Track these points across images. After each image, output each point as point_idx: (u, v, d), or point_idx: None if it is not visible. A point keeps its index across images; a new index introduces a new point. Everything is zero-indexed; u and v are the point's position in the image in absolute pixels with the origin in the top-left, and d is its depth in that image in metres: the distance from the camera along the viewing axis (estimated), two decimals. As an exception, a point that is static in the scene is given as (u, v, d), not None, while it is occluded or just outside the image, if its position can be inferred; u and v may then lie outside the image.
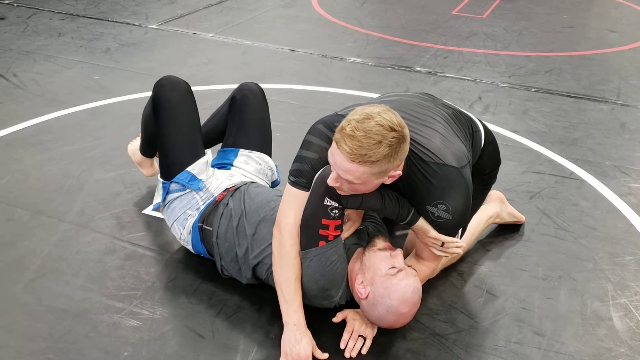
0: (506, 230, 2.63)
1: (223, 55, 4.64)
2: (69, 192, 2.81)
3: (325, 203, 1.87)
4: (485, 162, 2.23)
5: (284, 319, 1.96)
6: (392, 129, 1.68)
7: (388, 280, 1.88)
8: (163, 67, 4.31)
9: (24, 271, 2.31)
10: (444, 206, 1.88)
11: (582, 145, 3.39)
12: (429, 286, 2.27)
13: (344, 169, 1.72)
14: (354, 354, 1.97)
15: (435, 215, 1.90)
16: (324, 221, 1.89)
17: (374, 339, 2.02)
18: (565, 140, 3.44)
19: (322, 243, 1.91)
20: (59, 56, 4.46)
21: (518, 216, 2.63)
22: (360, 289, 1.93)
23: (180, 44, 4.86)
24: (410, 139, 1.82)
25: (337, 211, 1.89)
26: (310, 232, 1.92)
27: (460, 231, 2.25)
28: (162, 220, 2.62)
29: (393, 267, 1.90)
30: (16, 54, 4.48)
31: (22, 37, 4.85)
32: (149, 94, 3.84)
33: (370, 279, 1.91)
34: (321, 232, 1.90)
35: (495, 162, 2.33)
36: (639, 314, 2.20)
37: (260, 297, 2.19)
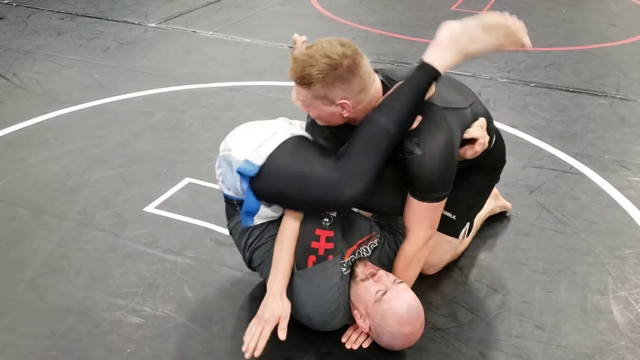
0: (506, 225, 2.64)
1: (222, 52, 4.65)
2: (71, 190, 2.82)
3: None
4: (495, 156, 2.25)
5: (267, 284, 1.96)
6: (327, 57, 1.75)
7: (379, 307, 1.84)
8: (163, 66, 4.32)
9: (26, 270, 2.32)
10: (416, 139, 1.83)
11: (582, 140, 3.39)
12: (429, 280, 2.29)
13: (294, 89, 1.88)
14: (355, 347, 1.98)
15: (408, 149, 1.84)
16: (317, 231, 1.87)
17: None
18: (564, 135, 3.45)
19: (312, 259, 1.87)
20: (58, 55, 4.46)
21: (506, 205, 2.68)
22: (361, 324, 1.92)
23: (180, 42, 4.87)
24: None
25: (327, 220, 1.87)
26: (303, 245, 1.89)
27: (467, 227, 2.29)
28: (163, 217, 2.63)
29: (379, 291, 1.86)
30: (16, 53, 4.49)
31: (21, 36, 4.86)
32: (149, 92, 3.89)
33: (365, 312, 1.89)
34: (313, 244, 1.87)
35: (502, 158, 2.35)
36: (639, 307, 2.20)
37: (262, 293, 2.19)
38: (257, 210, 1.98)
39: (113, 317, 2.10)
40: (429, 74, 1.81)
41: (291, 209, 1.94)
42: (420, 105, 1.84)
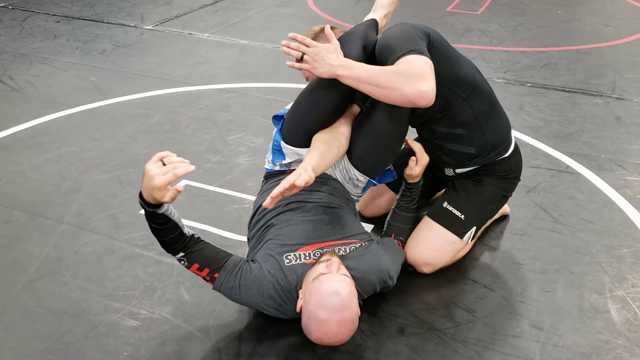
0: (503, 225, 2.64)
1: (219, 54, 4.65)
2: (67, 193, 2.82)
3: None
4: (511, 166, 2.37)
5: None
6: (311, 30, 2.35)
7: (313, 285, 1.82)
8: (159, 68, 4.32)
9: (23, 272, 2.31)
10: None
11: (578, 139, 3.40)
12: (426, 280, 2.29)
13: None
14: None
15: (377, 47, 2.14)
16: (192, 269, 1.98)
17: (373, 333, 2.03)
18: (560, 135, 3.45)
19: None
20: (54, 58, 4.46)
21: (505, 210, 2.68)
22: (298, 303, 1.88)
23: (176, 44, 4.87)
24: None
25: (183, 262, 1.95)
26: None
27: (473, 232, 2.32)
28: (159, 220, 2.62)
29: (322, 274, 1.83)
30: (12, 56, 4.48)
31: (17, 39, 4.86)
32: (146, 94, 3.89)
33: (304, 290, 1.87)
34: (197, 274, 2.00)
35: (516, 170, 2.42)
36: (636, 306, 2.20)
37: (258, 295, 2.19)
38: (279, 143, 2.23)
39: (109, 320, 2.10)
40: (369, 20, 2.52)
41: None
42: (368, 30, 2.40)
